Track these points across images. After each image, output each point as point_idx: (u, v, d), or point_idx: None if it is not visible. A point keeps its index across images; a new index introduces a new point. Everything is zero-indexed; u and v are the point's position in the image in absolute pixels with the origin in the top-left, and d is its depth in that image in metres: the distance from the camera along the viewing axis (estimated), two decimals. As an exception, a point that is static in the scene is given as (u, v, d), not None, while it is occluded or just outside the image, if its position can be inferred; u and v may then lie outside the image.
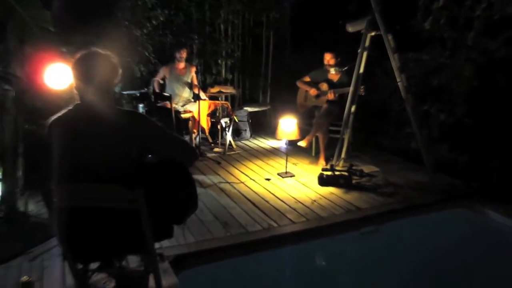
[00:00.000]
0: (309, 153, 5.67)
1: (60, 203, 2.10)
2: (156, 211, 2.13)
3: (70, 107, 2.15)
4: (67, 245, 2.18)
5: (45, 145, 2.17)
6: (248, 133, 6.67)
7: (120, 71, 2.18)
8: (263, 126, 7.13)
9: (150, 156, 2.25)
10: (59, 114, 2.15)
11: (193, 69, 5.85)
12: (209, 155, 5.70)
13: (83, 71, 2.09)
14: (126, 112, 2.24)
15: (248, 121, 6.68)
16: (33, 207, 3.85)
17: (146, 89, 5.31)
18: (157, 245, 3.08)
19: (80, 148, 2.05)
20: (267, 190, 4.48)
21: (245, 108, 6.75)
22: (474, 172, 4.61)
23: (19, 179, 3.80)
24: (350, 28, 4.92)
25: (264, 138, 6.66)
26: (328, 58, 5.42)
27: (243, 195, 4.34)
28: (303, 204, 4.12)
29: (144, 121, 2.20)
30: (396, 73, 4.65)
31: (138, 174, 2.12)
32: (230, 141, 5.99)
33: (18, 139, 3.75)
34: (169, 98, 5.27)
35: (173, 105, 5.58)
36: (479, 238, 3.93)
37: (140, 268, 2.67)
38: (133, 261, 2.89)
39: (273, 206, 4.06)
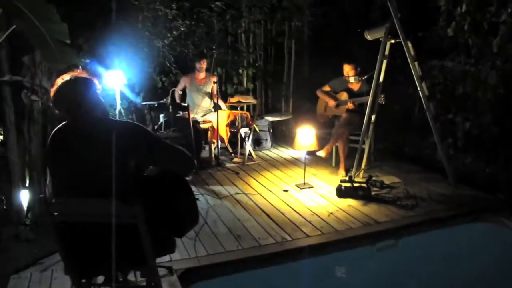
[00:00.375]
0: (329, 163, 5.57)
1: (60, 217, 2.10)
2: (156, 225, 2.11)
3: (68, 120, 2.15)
4: (69, 259, 2.18)
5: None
6: (269, 143, 6.61)
7: (96, 81, 2.17)
8: (284, 135, 7.07)
9: (150, 168, 2.22)
10: (59, 125, 2.15)
11: (213, 79, 5.85)
12: (228, 165, 5.68)
13: (65, 105, 2.10)
14: (120, 123, 2.23)
15: (269, 130, 6.63)
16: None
17: (164, 99, 5.33)
18: (167, 258, 3.09)
19: (77, 162, 2.05)
20: (284, 201, 4.41)
21: (266, 118, 6.70)
22: (500, 183, 4.42)
23: (46, 187, 3.88)
24: (369, 36, 4.82)
25: (285, 148, 6.59)
26: (347, 69, 5.30)
27: (258, 206, 4.28)
28: (319, 216, 4.02)
29: (139, 131, 2.18)
30: (417, 82, 4.52)
31: (136, 187, 2.10)
32: (250, 151, 5.95)
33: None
34: (187, 109, 5.27)
35: (193, 115, 5.60)
36: (505, 254, 3.75)
37: (143, 284, 2.64)
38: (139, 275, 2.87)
39: (288, 219, 3.98)
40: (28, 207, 3.77)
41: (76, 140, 2.08)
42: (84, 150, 2.05)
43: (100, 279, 2.47)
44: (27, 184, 3.81)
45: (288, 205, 4.32)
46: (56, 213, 2.10)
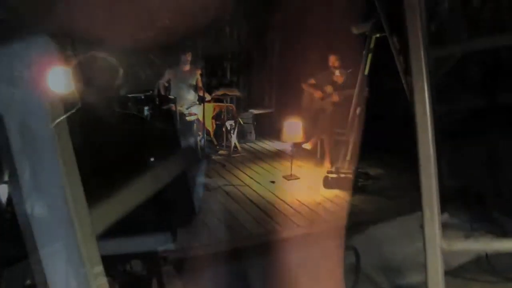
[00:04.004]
0: (314, 156, 5.64)
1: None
2: (158, 215, 2.13)
3: (73, 111, 2.15)
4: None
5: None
6: (253, 135, 6.66)
7: (121, 73, 2.17)
8: (268, 128, 7.11)
9: (152, 160, 2.23)
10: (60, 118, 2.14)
11: (198, 72, 5.84)
12: (214, 157, 5.70)
13: (84, 74, 2.08)
14: (126, 115, 2.23)
15: (253, 123, 6.68)
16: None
17: (151, 92, 5.30)
18: (161, 248, 3.10)
19: (81, 153, 2.05)
20: (272, 193, 4.47)
21: (250, 111, 6.74)
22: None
23: None
24: (355, 30, 4.89)
25: (269, 141, 6.65)
26: (333, 60, 5.39)
27: (248, 198, 4.33)
28: (308, 207, 4.10)
29: (144, 124, 2.20)
30: (402, 76, 4.60)
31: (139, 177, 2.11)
32: (235, 144, 5.98)
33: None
34: (173, 101, 5.26)
35: (178, 108, 5.59)
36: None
37: (143, 273, 2.66)
38: (137, 265, 2.88)
39: (278, 209, 4.05)
40: None
41: (82, 130, 2.07)
42: (90, 140, 2.05)
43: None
44: None
45: (276, 196, 4.39)
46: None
